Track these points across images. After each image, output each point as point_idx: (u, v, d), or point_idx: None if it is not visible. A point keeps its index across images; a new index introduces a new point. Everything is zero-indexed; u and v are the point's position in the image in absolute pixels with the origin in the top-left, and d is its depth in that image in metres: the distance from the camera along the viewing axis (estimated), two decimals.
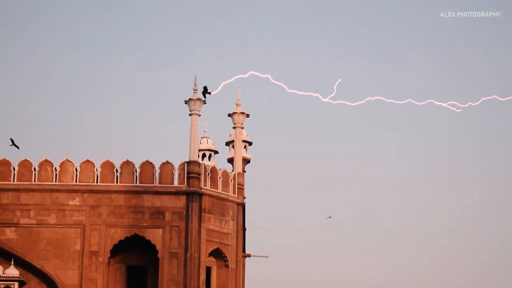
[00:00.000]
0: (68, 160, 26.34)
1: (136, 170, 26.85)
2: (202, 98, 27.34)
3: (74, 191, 26.11)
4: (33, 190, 25.88)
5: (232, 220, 28.29)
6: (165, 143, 53.42)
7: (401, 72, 66.12)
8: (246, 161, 30.45)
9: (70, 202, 26.10)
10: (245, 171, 30.16)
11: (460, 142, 65.66)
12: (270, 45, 66.99)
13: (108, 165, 26.65)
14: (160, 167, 27.04)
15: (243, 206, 29.06)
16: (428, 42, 64.88)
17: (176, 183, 26.97)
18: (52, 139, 56.14)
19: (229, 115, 29.34)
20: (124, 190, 26.51)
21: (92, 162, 26.51)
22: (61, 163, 26.28)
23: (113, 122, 61.01)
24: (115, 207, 26.35)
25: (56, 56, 64.81)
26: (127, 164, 26.81)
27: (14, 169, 26.05)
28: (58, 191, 25.99)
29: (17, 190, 25.81)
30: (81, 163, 26.41)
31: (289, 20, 66.65)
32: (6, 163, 26.08)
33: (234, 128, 29.49)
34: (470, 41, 65.30)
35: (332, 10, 67.13)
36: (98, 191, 26.28)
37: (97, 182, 26.42)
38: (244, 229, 30.37)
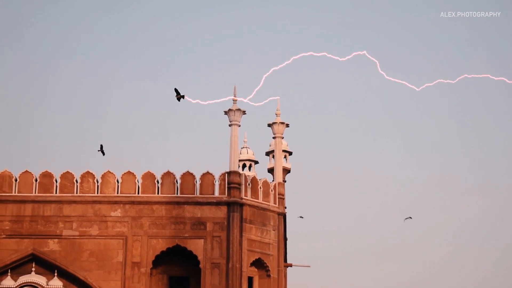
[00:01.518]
0: (110, 172, 26.10)
1: (177, 181, 26.47)
2: (242, 108, 27.17)
3: (116, 202, 25.88)
4: (75, 202, 25.73)
5: (273, 230, 27.68)
6: (205, 154, 53.11)
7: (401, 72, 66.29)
8: (286, 171, 29.96)
9: (112, 214, 25.86)
10: (285, 181, 29.68)
11: (464, 150, 64.51)
12: (308, 56, 66.35)
13: (149, 176, 26.35)
14: (200, 178, 26.63)
15: (284, 216, 28.38)
16: (428, 42, 64.47)
17: (217, 193, 26.53)
18: (92, 151, 56.39)
19: (269, 125, 28.79)
20: (165, 201, 26.17)
21: (133, 173, 26.23)
22: (102, 175, 26.07)
23: (153, 133, 60.92)
24: (157, 218, 26.00)
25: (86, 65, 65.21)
26: (168, 175, 26.48)
27: (56, 181, 25.92)
28: (100, 202, 25.78)
29: (59, 202, 25.71)
30: (122, 175, 26.17)
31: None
32: (48, 175, 25.99)
33: (274, 138, 28.92)
34: (470, 41, 64.72)
35: (332, 10, 66.76)
36: (139, 202, 25.97)
37: (138, 193, 26.10)
38: (285, 239, 29.80)
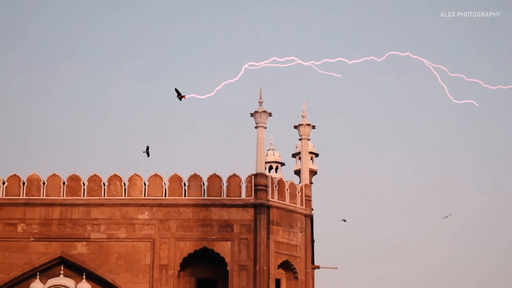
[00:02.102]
0: (137, 175, 25.96)
1: (203, 183, 26.25)
2: (268, 110, 26.99)
3: (143, 205, 25.72)
4: (103, 205, 25.62)
5: (301, 232, 27.38)
6: (231, 156, 52.66)
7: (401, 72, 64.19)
8: (313, 172, 29.67)
9: (140, 216, 25.69)
10: (312, 183, 29.43)
11: (465, 151, 63.26)
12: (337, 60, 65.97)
13: (176, 179, 26.16)
14: (227, 180, 26.38)
15: (311, 217, 28.10)
16: (428, 42, 62.79)
17: (243, 195, 26.26)
18: (120, 154, 56.58)
19: (295, 127, 28.47)
20: (192, 204, 25.96)
21: (160, 176, 26.04)
22: (129, 178, 25.94)
23: (179, 134, 60.29)
24: (184, 221, 25.80)
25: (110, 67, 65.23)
26: (195, 177, 26.27)
27: (84, 184, 25.81)
28: (127, 205, 25.64)
29: (87, 205, 25.63)
30: (149, 177, 26.02)
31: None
32: (76, 179, 25.91)
33: (300, 139, 28.59)
34: (470, 41, 63.26)
35: (332, 10, 65.61)
36: (166, 205, 25.80)
37: (165, 196, 25.94)
38: (312, 241, 29.54)
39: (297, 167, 29.39)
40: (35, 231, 25.65)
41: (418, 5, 62.99)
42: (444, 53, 61.32)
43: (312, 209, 28.62)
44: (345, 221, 32.81)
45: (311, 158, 29.66)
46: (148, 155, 27.24)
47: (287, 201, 27.25)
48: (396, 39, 62.86)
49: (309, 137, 28.62)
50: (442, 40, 63.20)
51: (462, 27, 60.42)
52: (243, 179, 26.52)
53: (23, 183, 25.91)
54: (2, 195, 25.80)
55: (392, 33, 64.16)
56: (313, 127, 28.57)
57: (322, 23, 65.46)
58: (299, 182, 28.40)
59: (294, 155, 29.92)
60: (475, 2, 52.35)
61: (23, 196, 25.84)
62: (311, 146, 29.38)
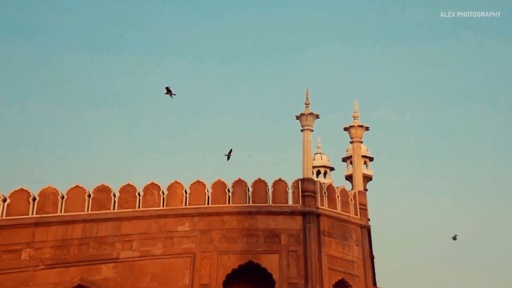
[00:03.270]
0: (177, 182, 23.32)
1: (248, 189, 23.86)
2: (315, 112, 24.90)
3: (184, 215, 22.96)
4: (137, 218, 22.45)
5: (357, 246, 24.71)
6: (276, 160, 50.07)
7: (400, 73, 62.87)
8: (367, 178, 27.25)
9: (179, 228, 22.86)
10: (366, 189, 27.02)
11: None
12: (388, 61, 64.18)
13: (220, 185, 23.66)
14: (272, 185, 23.95)
15: (368, 229, 25.44)
16: (428, 42, 61.84)
17: (290, 202, 23.79)
18: (159, 162, 54.04)
19: (346, 129, 26.11)
20: (237, 211, 23.40)
21: (203, 182, 23.51)
22: (169, 186, 23.28)
23: (220, 138, 58.28)
24: (228, 231, 23.17)
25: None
26: (239, 182, 23.80)
27: (114, 195, 22.69)
28: (165, 216, 22.69)
29: (117, 219, 22.16)
30: (191, 185, 23.43)
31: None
32: (105, 190, 22.54)
33: (351, 142, 26.16)
34: (470, 41, 61.77)
35: (330, 10, 64.36)
36: (209, 214, 23.13)
37: (208, 204, 23.43)
38: (372, 257, 26.89)
39: (348, 172, 26.99)
40: (47, 256, 21.33)
41: (418, 5, 62.11)
42: (444, 53, 61.01)
43: (369, 219, 26.11)
44: (455, 238, 29.18)
45: (365, 163, 27.27)
46: (228, 158, 25.13)
47: (338, 209, 24.68)
48: (395, 39, 62.54)
49: (361, 140, 26.14)
50: (442, 39, 62.23)
51: (462, 27, 59.91)
52: (290, 184, 24.13)
53: (33, 199, 21.67)
54: (2, 216, 21.22)
55: (391, 33, 63.36)
56: (367, 128, 26.17)
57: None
58: (352, 189, 25.96)
59: (344, 159, 27.54)
60: (475, 2, 51.53)
61: (32, 214, 21.47)
62: (364, 149, 27.01)
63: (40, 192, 21.74)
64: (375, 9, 62.44)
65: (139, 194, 22.98)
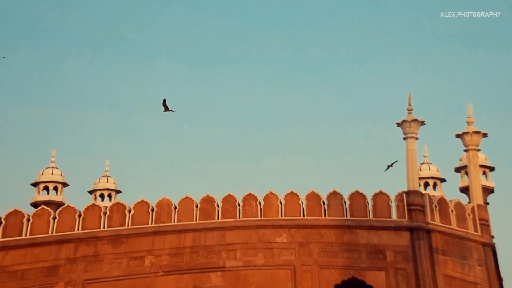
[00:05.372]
0: (272, 193, 22.94)
1: (345, 202, 22.62)
2: (420, 118, 23.09)
3: (281, 226, 22.46)
4: (238, 228, 22.52)
5: (479, 265, 22.44)
6: (373, 171, 47.15)
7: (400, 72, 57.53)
8: (488, 190, 24.49)
9: (278, 239, 22.38)
10: (487, 203, 24.33)
11: None
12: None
13: (313, 197, 22.74)
14: (372, 198, 22.47)
15: (492, 247, 22.89)
16: (428, 42, 57.66)
17: (394, 216, 22.14)
18: (256, 172, 53.27)
19: (458, 136, 23.78)
20: (334, 225, 22.29)
21: (296, 194, 22.86)
22: (265, 196, 22.95)
23: (311, 148, 55.83)
24: (326, 244, 22.13)
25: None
26: (335, 195, 22.69)
27: (218, 205, 23.08)
28: (264, 227, 22.47)
29: (221, 228, 22.46)
30: (285, 195, 22.89)
31: None
32: (210, 200, 23.01)
33: (465, 151, 23.83)
34: (470, 41, 57.28)
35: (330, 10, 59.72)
36: (305, 226, 22.36)
37: (303, 215, 22.68)
38: (500, 279, 24.20)
39: (463, 184, 24.47)
40: (165, 263, 22.03)
41: (418, 5, 58.69)
42: (444, 53, 57.46)
43: (493, 237, 23.49)
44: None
45: (484, 173, 24.61)
46: (388, 168, 24.34)
47: (453, 225, 22.51)
48: (395, 38, 59.12)
49: (478, 148, 23.70)
50: (442, 40, 58.02)
51: (462, 27, 55.66)
52: (392, 197, 22.49)
53: (152, 209, 22.56)
54: (128, 225, 22.45)
55: (391, 33, 59.33)
56: (484, 135, 23.67)
57: None
58: (469, 202, 23.57)
59: (458, 170, 25.05)
60: (475, 2, 49.71)
61: (151, 223, 22.44)
62: (482, 158, 24.37)
63: (157, 203, 22.75)
64: None
65: (239, 204, 23.09)
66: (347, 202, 22.78)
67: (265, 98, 59.23)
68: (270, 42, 61.72)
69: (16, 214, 22.01)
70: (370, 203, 22.64)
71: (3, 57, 26.58)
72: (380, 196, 22.59)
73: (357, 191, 22.78)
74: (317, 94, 59.37)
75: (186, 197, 23.02)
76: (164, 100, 24.35)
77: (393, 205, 22.49)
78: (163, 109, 24.33)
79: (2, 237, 21.54)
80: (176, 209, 22.79)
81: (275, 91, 59.69)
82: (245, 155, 56.25)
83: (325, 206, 22.88)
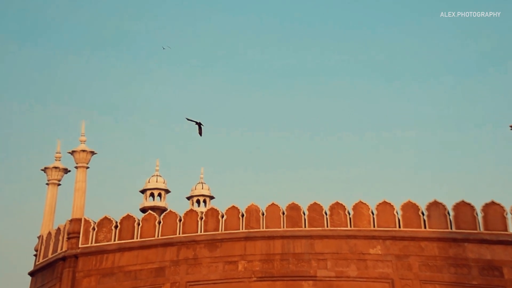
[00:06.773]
0: (362, 202, 20.71)
1: (448, 213, 20.01)
2: None
3: (374, 237, 20.01)
4: (327, 237, 20.48)
5: None
6: (479, 180, 43.28)
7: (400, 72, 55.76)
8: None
9: (371, 251, 19.88)
10: None
11: None
12: None
13: (411, 207, 20.30)
14: (482, 209, 19.84)
15: None
16: (428, 42, 55.75)
17: (510, 229, 19.49)
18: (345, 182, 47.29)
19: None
20: (437, 237, 19.64)
21: (390, 203, 20.53)
22: (354, 206, 20.73)
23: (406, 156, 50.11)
24: (428, 258, 19.44)
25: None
26: (436, 205, 20.15)
27: (304, 213, 21.14)
28: (355, 237, 20.16)
29: (309, 237, 20.61)
30: (377, 205, 20.57)
31: None
32: (295, 208, 21.29)
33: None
34: (470, 41, 55.47)
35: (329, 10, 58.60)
36: (403, 238, 19.86)
37: (399, 227, 20.11)
38: None
39: None
40: (257, 268, 20.87)
41: (418, 5, 57.67)
42: (443, 53, 54.89)
43: None
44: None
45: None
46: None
47: None
48: (395, 38, 57.01)
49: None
50: (442, 40, 55.84)
51: (462, 27, 54.46)
52: (508, 208, 19.81)
53: (242, 215, 21.71)
54: (221, 230, 21.73)
55: (391, 33, 57.55)
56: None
57: None
58: None
59: None
60: (475, 2, 48.98)
61: (242, 229, 21.61)
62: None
63: (246, 209, 22.02)
64: None
65: (325, 213, 21.19)
66: (452, 213, 20.24)
67: (347, 105, 57.10)
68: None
69: (128, 219, 22.61)
70: (480, 215, 19.98)
71: (168, 47, 28.43)
72: (492, 207, 20.08)
73: (463, 201, 20.32)
74: (399, 101, 56.33)
75: (273, 203, 21.89)
76: (199, 124, 24.99)
77: (509, 217, 19.90)
78: (198, 131, 25.14)
79: (118, 240, 22.24)
80: (264, 215, 21.84)
81: (363, 98, 56.76)
82: (319, 162, 53.33)
83: (425, 217, 20.40)
